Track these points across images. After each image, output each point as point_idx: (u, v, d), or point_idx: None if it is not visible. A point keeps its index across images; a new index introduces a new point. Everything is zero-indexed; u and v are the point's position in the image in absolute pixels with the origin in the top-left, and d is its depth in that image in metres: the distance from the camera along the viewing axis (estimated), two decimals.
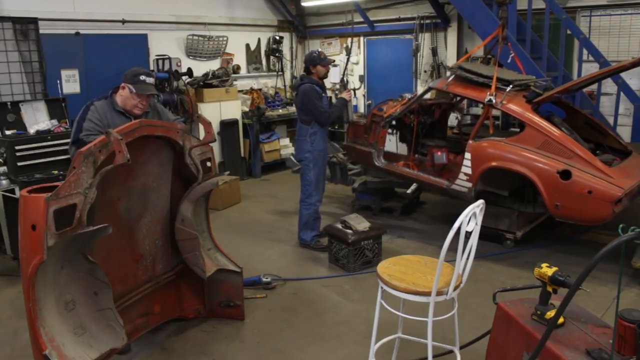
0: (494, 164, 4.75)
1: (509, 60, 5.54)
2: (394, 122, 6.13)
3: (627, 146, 4.92)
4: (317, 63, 5.09)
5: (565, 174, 4.28)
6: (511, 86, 4.87)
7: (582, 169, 4.31)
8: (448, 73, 5.40)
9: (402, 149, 7.18)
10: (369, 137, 6.00)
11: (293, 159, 6.86)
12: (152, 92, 3.54)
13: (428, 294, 2.57)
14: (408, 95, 6.29)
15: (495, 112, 5.98)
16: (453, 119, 7.13)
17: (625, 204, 4.30)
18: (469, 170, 4.92)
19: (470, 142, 4.95)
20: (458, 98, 6.15)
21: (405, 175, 5.77)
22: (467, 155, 4.91)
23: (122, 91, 3.49)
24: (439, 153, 5.61)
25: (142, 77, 3.46)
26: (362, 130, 6.12)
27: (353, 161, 6.96)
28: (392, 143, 7.16)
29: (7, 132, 5.64)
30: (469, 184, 4.95)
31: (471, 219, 2.55)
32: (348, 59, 7.85)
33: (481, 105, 6.16)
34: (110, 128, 3.25)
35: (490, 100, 4.85)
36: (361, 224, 4.83)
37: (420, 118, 6.27)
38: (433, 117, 6.40)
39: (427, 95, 6.22)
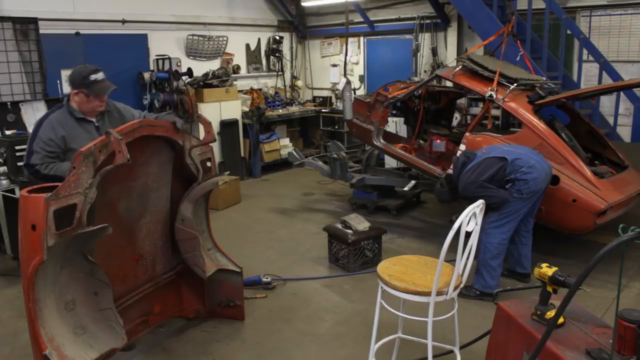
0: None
1: (517, 59, 5.52)
2: (398, 104, 6.13)
3: (624, 160, 4.93)
4: None
5: (553, 180, 4.29)
6: (515, 84, 4.86)
7: (571, 176, 4.33)
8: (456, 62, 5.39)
9: (403, 133, 7.23)
10: (371, 116, 6.01)
11: (295, 153, 6.90)
12: (110, 87, 3.27)
13: (428, 294, 2.57)
14: (416, 79, 6.28)
15: (496, 112, 5.99)
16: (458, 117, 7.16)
17: (610, 217, 4.34)
18: None
19: (467, 134, 4.96)
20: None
21: (401, 158, 5.79)
22: (462, 146, 4.92)
23: (75, 97, 3.23)
24: (439, 141, 5.61)
25: (93, 77, 3.18)
26: (366, 108, 6.12)
27: (355, 160, 7.00)
28: (393, 126, 7.24)
29: (7, 132, 5.64)
30: None
31: (471, 219, 2.56)
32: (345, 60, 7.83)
33: (481, 105, 6.18)
34: (70, 139, 3.15)
35: (490, 96, 4.84)
36: (361, 224, 4.83)
37: (425, 104, 6.29)
38: (438, 105, 6.42)
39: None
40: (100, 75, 3.24)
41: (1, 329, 3.88)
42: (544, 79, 5.38)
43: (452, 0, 6.64)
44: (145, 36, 7.70)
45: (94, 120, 3.36)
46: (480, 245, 3.79)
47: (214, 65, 8.49)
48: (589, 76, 6.40)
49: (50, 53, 6.44)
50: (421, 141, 6.43)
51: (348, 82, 6.69)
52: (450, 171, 4.48)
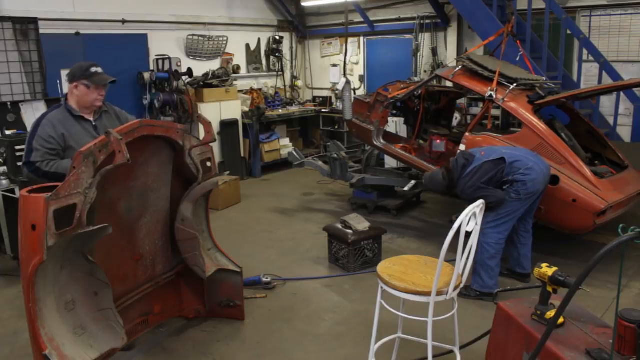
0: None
1: (517, 59, 5.52)
2: (398, 104, 6.12)
3: (624, 160, 4.94)
4: None
5: (553, 180, 4.30)
6: (515, 84, 4.86)
7: (571, 176, 4.33)
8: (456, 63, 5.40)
9: (403, 133, 7.24)
10: (371, 116, 6.01)
11: (295, 153, 6.91)
12: (109, 78, 3.34)
13: (428, 294, 2.57)
14: (416, 79, 6.28)
15: (496, 112, 5.99)
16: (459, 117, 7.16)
17: (610, 217, 4.35)
18: None
19: (467, 134, 4.96)
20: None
21: (401, 158, 5.79)
22: (462, 147, 4.92)
23: (75, 91, 3.31)
24: (439, 141, 5.62)
25: (93, 70, 3.30)
26: (366, 108, 6.13)
27: (355, 160, 7.00)
28: (393, 126, 7.24)
29: (7, 132, 5.65)
30: None
31: (471, 219, 2.56)
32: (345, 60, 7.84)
33: (481, 105, 6.18)
34: (69, 137, 3.21)
35: (490, 96, 4.84)
36: (361, 224, 4.83)
37: (425, 104, 6.29)
38: (438, 105, 6.42)
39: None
40: (99, 69, 3.34)
41: (1, 329, 3.88)
42: (544, 79, 5.38)
43: (452, 0, 6.64)
44: (145, 36, 7.70)
45: (91, 119, 3.41)
46: (477, 245, 3.81)
47: (214, 65, 8.49)
48: (589, 76, 6.40)
49: (50, 53, 6.44)
50: (421, 141, 6.44)
51: (348, 82, 6.70)
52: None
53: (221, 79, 7.96)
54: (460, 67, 5.22)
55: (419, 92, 6.14)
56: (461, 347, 2.94)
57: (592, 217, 4.22)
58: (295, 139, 9.60)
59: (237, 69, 8.79)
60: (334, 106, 9.46)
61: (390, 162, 7.05)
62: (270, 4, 9.50)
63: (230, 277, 3.78)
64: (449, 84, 6.08)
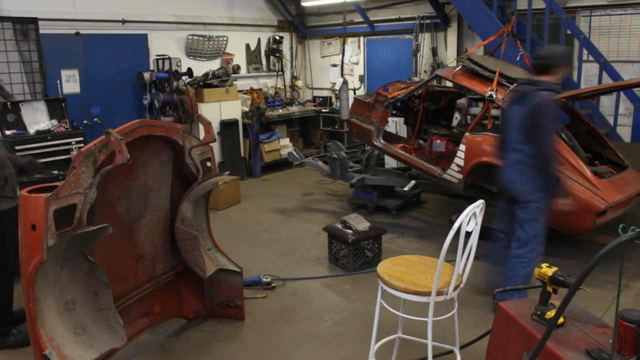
0: (484, 159, 4.77)
1: (517, 58, 5.52)
2: (398, 104, 6.12)
3: (624, 160, 4.94)
4: (562, 64, 3.69)
5: None
6: (515, 84, 4.86)
7: (571, 176, 4.33)
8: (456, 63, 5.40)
9: (403, 133, 7.24)
10: (371, 116, 6.02)
11: (295, 153, 6.92)
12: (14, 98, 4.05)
13: (428, 294, 2.57)
14: (416, 79, 6.27)
15: (496, 112, 5.98)
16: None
17: (610, 217, 4.35)
18: (461, 162, 4.96)
19: (467, 134, 4.96)
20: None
21: (401, 158, 5.80)
22: (462, 147, 4.93)
23: None
24: (439, 141, 5.62)
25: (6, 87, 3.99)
26: (366, 108, 6.13)
27: (355, 160, 7.00)
28: (393, 126, 7.25)
29: (7, 132, 5.64)
30: (460, 176, 4.99)
31: (471, 219, 2.56)
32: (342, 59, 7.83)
33: (481, 105, 6.18)
34: None
35: (490, 96, 4.85)
36: (361, 223, 4.83)
37: (425, 104, 6.29)
38: (438, 105, 6.43)
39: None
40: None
41: None
42: None
43: (452, 0, 6.64)
44: (145, 36, 7.70)
45: None
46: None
47: (214, 65, 8.49)
48: (589, 76, 6.40)
49: (50, 53, 6.45)
50: (421, 141, 6.44)
51: (345, 82, 6.70)
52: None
53: (221, 79, 7.96)
54: (460, 67, 5.22)
55: (419, 92, 6.14)
56: (461, 347, 2.94)
57: (592, 217, 4.22)
58: (295, 139, 9.60)
59: (237, 69, 8.79)
60: (334, 106, 9.45)
61: (390, 162, 7.05)
62: (270, 4, 9.50)
63: (230, 277, 3.78)
64: (449, 84, 6.08)
